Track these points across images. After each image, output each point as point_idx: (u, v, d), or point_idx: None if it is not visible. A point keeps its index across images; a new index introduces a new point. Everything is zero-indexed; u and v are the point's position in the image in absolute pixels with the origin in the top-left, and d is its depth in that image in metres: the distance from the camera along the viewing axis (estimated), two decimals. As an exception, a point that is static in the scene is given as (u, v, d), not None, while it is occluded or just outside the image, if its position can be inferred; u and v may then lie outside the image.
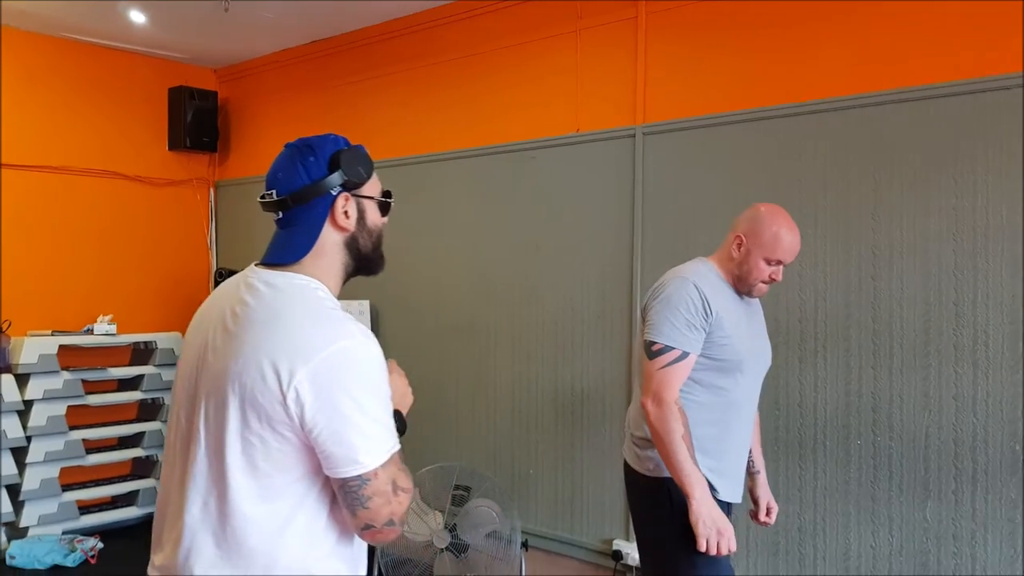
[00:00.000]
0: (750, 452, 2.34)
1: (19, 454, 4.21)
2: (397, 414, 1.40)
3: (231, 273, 1.71)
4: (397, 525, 1.27)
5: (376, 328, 4.33)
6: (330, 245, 1.37)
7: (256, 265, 1.39)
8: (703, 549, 1.99)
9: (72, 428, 4.38)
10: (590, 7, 3.58)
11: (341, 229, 1.37)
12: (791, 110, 3.02)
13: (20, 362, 4.19)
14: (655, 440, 2.08)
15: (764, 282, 2.18)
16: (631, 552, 3.34)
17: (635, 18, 3.42)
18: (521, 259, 3.81)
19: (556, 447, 3.68)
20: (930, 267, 2.74)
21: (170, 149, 5.13)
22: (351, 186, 1.37)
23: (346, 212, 1.37)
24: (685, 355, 2.10)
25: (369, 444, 1.22)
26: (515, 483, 3.79)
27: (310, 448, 1.25)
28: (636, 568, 3.36)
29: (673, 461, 2.03)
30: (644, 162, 3.40)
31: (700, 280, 2.15)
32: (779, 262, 2.16)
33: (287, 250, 1.36)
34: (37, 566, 4.00)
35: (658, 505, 2.16)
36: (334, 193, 1.35)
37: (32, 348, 4.23)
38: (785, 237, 2.14)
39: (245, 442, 1.24)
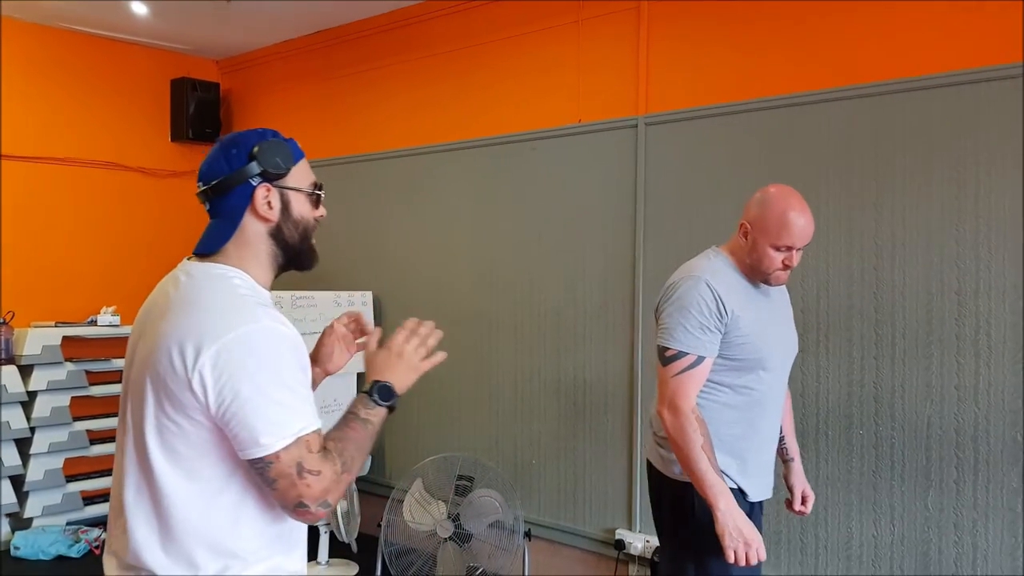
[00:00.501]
0: (782, 440, 2.29)
1: (23, 445, 4.22)
2: (384, 388, 1.43)
3: None
4: (312, 506, 1.28)
5: (379, 319, 4.34)
6: (254, 235, 1.41)
7: (188, 258, 1.43)
8: (731, 561, 1.92)
9: (76, 419, 4.39)
10: (592, -3, 3.58)
11: (263, 219, 1.40)
12: (793, 100, 3.02)
13: (24, 353, 4.20)
14: (674, 449, 2.02)
15: (779, 270, 2.05)
16: (634, 541, 3.35)
17: (637, 8, 3.42)
18: (523, 250, 3.81)
19: (558, 437, 3.69)
20: (932, 257, 2.74)
21: (173, 140, 5.13)
22: (271, 176, 1.39)
23: (269, 203, 1.39)
24: (700, 360, 2.01)
25: (269, 427, 1.25)
26: (518, 473, 3.81)
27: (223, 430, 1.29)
28: (639, 558, 3.37)
29: (695, 472, 1.96)
30: (646, 153, 3.40)
31: (713, 277, 2.05)
32: (789, 248, 2.02)
33: (210, 240, 1.41)
34: (41, 557, 4.02)
35: (683, 509, 2.10)
36: (253, 183, 1.38)
37: (36, 339, 4.24)
38: (793, 221, 1.99)
39: (163, 428, 1.29)
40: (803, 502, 2.33)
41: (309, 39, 4.75)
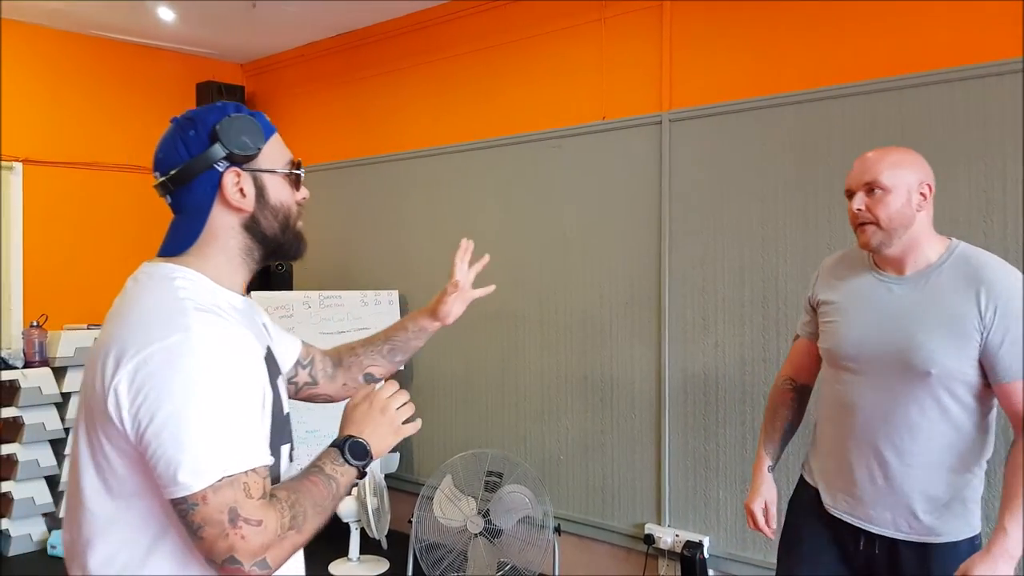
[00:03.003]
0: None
1: (57, 446, 4.29)
2: (359, 446, 1.22)
3: None
4: (247, 564, 1.03)
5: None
6: (223, 229, 1.20)
7: (150, 260, 1.24)
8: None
9: (108, 419, 4.46)
10: (615, -5, 3.60)
11: (236, 210, 1.19)
12: (817, 95, 3.02)
13: (57, 356, 4.27)
14: None
15: (855, 225, 1.83)
16: (663, 536, 3.38)
17: (660, 5, 3.43)
18: (549, 247, 3.84)
19: (586, 433, 3.72)
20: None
21: (199, 144, 5.20)
22: (240, 159, 1.18)
23: (241, 190, 1.19)
24: (796, 337, 2.11)
25: (192, 462, 1.02)
26: (546, 469, 3.83)
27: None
28: (668, 552, 3.39)
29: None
30: (671, 149, 3.41)
31: (833, 255, 2.04)
32: (849, 193, 1.84)
33: (175, 240, 1.21)
34: (78, 554, 4.10)
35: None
36: (220, 169, 1.17)
37: (68, 342, 4.30)
38: (853, 166, 1.86)
39: (95, 461, 1.11)
40: None
41: (332, 41, 4.80)
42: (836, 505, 1.92)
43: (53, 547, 4.12)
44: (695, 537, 3.30)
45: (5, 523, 4.15)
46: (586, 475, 3.72)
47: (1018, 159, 2.63)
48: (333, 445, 1.22)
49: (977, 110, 2.69)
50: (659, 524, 3.45)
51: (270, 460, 1.11)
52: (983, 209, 2.69)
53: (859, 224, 1.80)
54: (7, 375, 4.12)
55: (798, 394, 2.12)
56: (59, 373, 4.29)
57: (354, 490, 3.79)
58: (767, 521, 2.05)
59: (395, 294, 4.37)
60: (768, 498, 2.06)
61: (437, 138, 4.29)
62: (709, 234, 3.28)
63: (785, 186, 3.10)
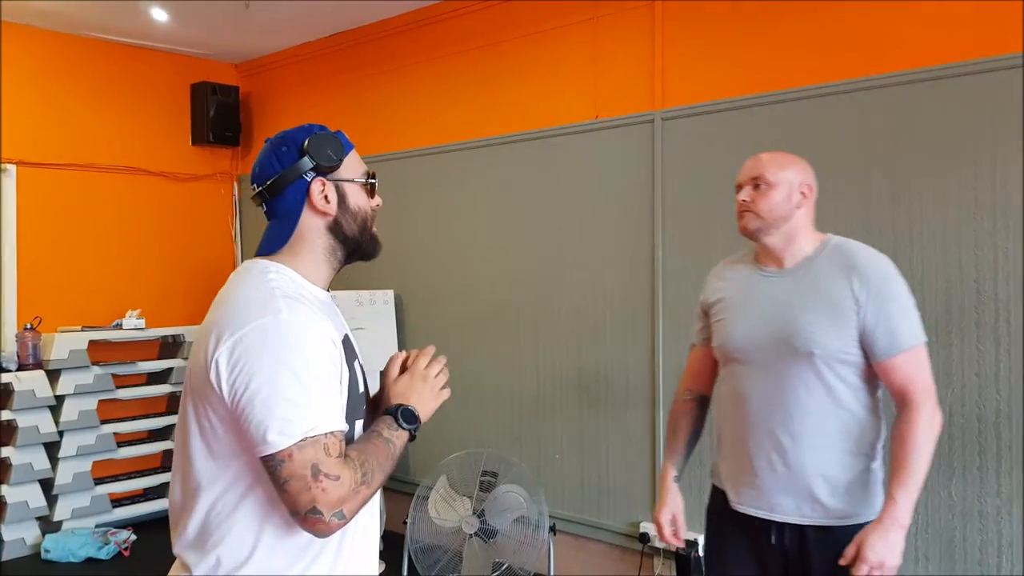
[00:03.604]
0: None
1: (51, 449, 4.29)
2: (409, 412, 1.37)
3: None
4: (327, 515, 1.19)
5: (400, 317, 4.38)
6: (311, 231, 1.38)
7: (250, 258, 1.42)
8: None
9: (103, 422, 4.45)
10: (607, -6, 3.61)
11: (322, 214, 1.38)
12: (807, 93, 3.03)
13: (51, 358, 4.26)
14: None
15: (739, 213, 1.97)
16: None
17: (652, 4, 3.44)
18: (543, 245, 3.84)
19: (581, 432, 3.72)
20: (950, 246, 2.74)
21: (193, 144, 5.20)
22: (325, 170, 1.37)
23: (326, 196, 1.37)
24: (692, 346, 2.16)
25: (278, 424, 1.18)
26: (541, 468, 3.84)
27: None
28: (664, 551, 3.40)
29: None
30: (663, 147, 3.42)
31: (720, 262, 2.13)
32: (738, 187, 1.99)
33: (270, 241, 1.39)
34: (71, 559, 4.07)
35: None
36: (308, 179, 1.37)
37: (63, 344, 4.30)
38: (744, 164, 2.01)
39: (201, 426, 1.28)
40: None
41: (326, 41, 4.80)
42: (741, 501, 1.95)
43: (47, 551, 4.09)
44: (690, 535, 3.30)
45: (-1, 526, 4.14)
46: (581, 474, 3.73)
47: (1009, 157, 2.63)
48: (387, 413, 1.37)
49: (970, 107, 2.70)
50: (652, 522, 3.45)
51: (345, 427, 1.27)
52: (972, 206, 2.70)
53: (742, 212, 1.95)
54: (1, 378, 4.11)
55: (698, 404, 2.16)
56: (53, 376, 4.28)
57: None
58: (675, 532, 2.06)
59: (390, 294, 4.37)
60: (675, 509, 2.08)
61: (431, 137, 4.30)
62: (702, 231, 3.29)
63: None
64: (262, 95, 5.31)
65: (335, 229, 1.40)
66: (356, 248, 1.44)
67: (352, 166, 1.42)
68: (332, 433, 1.22)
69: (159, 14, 4.36)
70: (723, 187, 3.24)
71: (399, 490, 4.31)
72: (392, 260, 4.48)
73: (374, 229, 1.47)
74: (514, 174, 3.96)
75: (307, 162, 1.36)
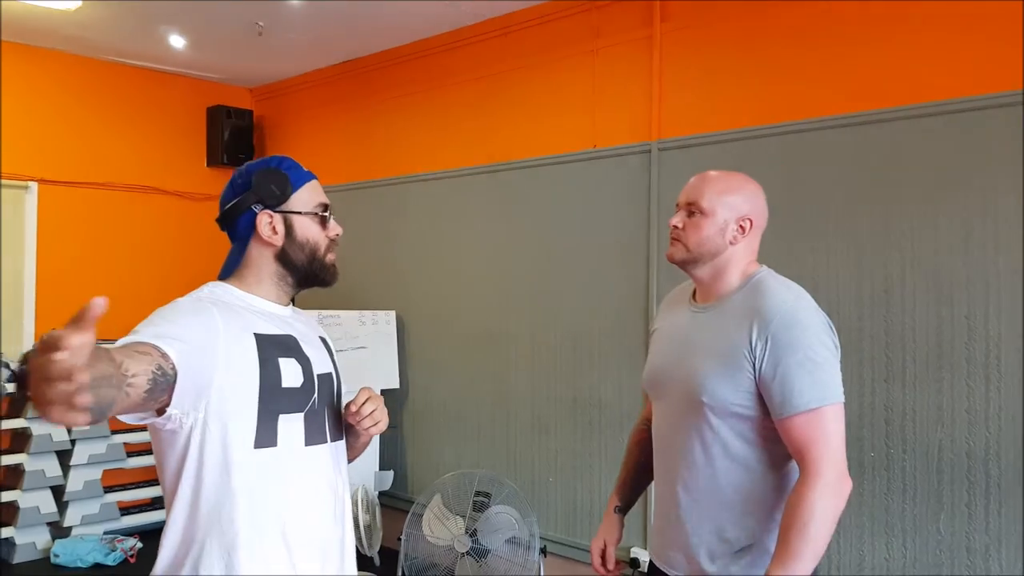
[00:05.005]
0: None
1: (64, 457, 4.39)
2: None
3: None
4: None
5: (402, 337, 4.45)
6: (259, 259, 1.47)
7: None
8: None
9: (113, 432, 4.54)
10: (607, 27, 3.66)
11: (267, 244, 1.46)
12: (804, 126, 3.06)
13: (66, 370, 4.38)
14: None
15: (670, 238, 1.77)
16: (649, 559, 3.38)
17: (650, 37, 3.50)
18: (540, 272, 3.89)
19: (575, 455, 3.75)
20: (942, 281, 2.75)
21: (208, 165, 5.33)
22: (271, 203, 1.44)
23: (273, 228, 1.45)
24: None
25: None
26: (534, 490, 3.86)
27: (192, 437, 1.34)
28: None
29: None
30: (659, 177, 3.46)
31: (677, 288, 1.93)
32: (677, 206, 1.78)
33: (225, 265, 1.50)
34: (80, 564, 4.16)
35: None
36: (255, 210, 1.44)
37: (77, 356, 4.41)
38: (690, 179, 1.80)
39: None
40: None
41: (336, 68, 4.92)
42: (652, 550, 1.81)
43: (56, 556, 4.20)
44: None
45: (10, 531, 4.24)
46: (573, 497, 3.75)
47: (1000, 193, 2.63)
48: None
49: (961, 143, 2.71)
50: (645, 548, 3.46)
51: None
52: (964, 241, 2.70)
53: (672, 238, 1.74)
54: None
55: (651, 434, 1.91)
56: (67, 387, 4.38)
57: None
58: (604, 562, 1.97)
59: (392, 314, 4.44)
60: (608, 538, 1.97)
61: (435, 163, 4.38)
62: (696, 261, 3.31)
63: (770, 215, 3.12)
64: (275, 118, 5.43)
65: (282, 258, 1.47)
66: (306, 275, 1.50)
67: (304, 199, 1.47)
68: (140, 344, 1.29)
69: (177, 40, 4.50)
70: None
71: (395, 507, 4.36)
72: (395, 282, 4.56)
73: (329, 257, 1.51)
74: (514, 200, 4.01)
75: (251, 196, 1.44)
